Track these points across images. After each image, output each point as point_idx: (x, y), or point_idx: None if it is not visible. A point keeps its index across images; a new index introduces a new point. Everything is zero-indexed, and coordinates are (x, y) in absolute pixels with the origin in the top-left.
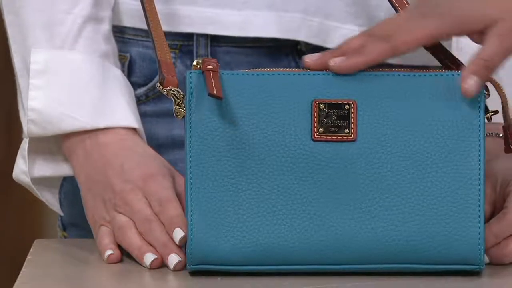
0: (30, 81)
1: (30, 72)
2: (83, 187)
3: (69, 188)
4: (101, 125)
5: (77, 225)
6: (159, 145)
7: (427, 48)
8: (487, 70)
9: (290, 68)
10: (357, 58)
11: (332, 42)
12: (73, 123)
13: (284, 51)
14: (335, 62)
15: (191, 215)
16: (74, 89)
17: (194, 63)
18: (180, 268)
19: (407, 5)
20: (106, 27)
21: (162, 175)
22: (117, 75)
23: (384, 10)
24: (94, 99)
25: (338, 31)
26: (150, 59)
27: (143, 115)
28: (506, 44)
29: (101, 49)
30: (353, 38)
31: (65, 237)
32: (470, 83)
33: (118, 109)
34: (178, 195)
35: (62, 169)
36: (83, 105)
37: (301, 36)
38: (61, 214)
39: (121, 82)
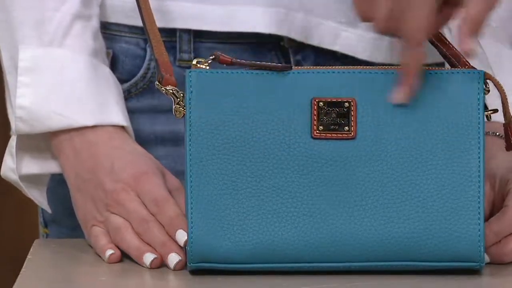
0: (18, 79)
1: (18, 70)
2: (72, 186)
3: (52, 185)
4: (90, 123)
5: (58, 222)
6: (142, 142)
7: (431, 42)
8: (479, 28)
9: None
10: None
11: (313, 39)
12: (61, 121)
13: (267, 47)
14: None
15: (191, 213)
16: (62, 86)
17: (194, 62)
18: (181, 267)
19: None
20: (94, 24)
21: (153, 173)
22: (105, 72)
23: None
24: (83, 96)
25: (320, 27)
26: (132, 55)
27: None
28: (487, 7)
29: (90, 46)
30: None
31: (46, 234)
32: (471, 43)
33: (107, 106)
34: (169, 193)
35: (50, 167)
36: (71, 102)
37: (284, 31)
38: (49, 211)
39: (110, 80)
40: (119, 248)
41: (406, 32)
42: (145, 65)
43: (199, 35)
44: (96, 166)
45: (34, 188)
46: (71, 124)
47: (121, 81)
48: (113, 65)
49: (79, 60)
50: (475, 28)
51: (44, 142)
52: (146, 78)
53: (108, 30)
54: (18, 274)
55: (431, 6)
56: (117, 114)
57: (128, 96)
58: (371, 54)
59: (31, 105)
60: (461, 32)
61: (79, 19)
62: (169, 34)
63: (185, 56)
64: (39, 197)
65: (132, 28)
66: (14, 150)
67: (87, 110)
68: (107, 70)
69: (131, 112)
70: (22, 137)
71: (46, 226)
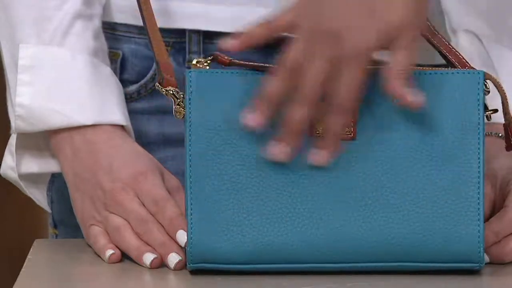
0: (18, 77)
1: (18, 68)
2: (71, 185)
3: (59, 185)
4: (89, 121)
5: (64, 222)
6: (150, 143)
7: (430, 41)
8: (408, 79)
9: None
10: None
11: None
12: (61, 119)
13: (276, 48)
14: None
15: (191, 214)
16: (62, 85)
17: (194, 61)
18: (181, 267)
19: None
20: (96, 24)
21: (152, 173)
22: (106, 72)
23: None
24: (82, 95)
25: None
26: (142, 56)
27: (134, 113)
28: (413, 54)
29: (90, 46)
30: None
31: (56, 235)
32: (413, 95)
33: (107, 106)
34: (168, 193)
35: (50, 166)
36: (71, 101)
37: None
38: (49, 211)
39: (110, 79)
40: (118, 248)
41: (335, 99)
42: (154, 66)
43: (208, 36)
44: (95, 165)
45: (34, 187)
46: (71, 123)
47: (131, 82)
48: (123, 66)
49: (79, 59)
50: (407, 81)
51: (43, 140)
52: (155, 79)
53: (117, 31)
54: (18, 274)
55: (363, 72)
56: (117, 114)
57: (137, 97)
58: (383, 53)
59: (31, 104)
60: (397, 86)
61: (80, 18)
62: (179, 35)
63: (195, 57)
64: (38, 196)
65: (141, 29)
66: (13, 148)
67: (86, 109)
68: (107, 69)
69: (140, 113)
70: (21, 136)
71: (55, 226)
